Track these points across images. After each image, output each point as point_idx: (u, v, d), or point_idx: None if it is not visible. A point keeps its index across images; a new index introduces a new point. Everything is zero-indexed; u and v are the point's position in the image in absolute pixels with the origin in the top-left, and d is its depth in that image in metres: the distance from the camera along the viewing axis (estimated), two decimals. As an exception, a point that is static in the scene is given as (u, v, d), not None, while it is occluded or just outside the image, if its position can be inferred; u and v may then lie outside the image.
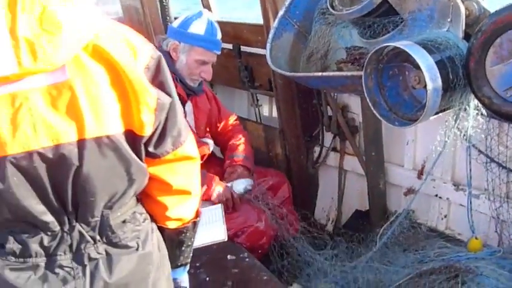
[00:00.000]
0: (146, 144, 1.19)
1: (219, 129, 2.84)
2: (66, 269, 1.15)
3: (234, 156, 2.71)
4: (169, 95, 1.19)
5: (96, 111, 1.07)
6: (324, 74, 2.21)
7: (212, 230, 1.83)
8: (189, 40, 2.43)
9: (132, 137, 1.15)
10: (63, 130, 1.05)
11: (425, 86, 1.89)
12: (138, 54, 1.12)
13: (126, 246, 1.21)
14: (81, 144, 1.08)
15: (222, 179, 2.62)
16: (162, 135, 1.21)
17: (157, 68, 1.16)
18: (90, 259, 1.17)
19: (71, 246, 1.15)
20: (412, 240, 2.60)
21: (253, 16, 3.16)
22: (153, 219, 1.35)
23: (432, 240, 2.52)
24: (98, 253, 1.18)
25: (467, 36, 1.93)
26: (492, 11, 1.89)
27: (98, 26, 1.07)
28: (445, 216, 2.72)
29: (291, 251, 2.48)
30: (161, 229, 1.37)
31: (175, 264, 1.47)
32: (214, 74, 2.89)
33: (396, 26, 2.16)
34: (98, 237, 1.18)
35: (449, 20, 1.95)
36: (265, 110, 3.59)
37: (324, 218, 3.36)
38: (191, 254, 1.51)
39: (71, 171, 1.09)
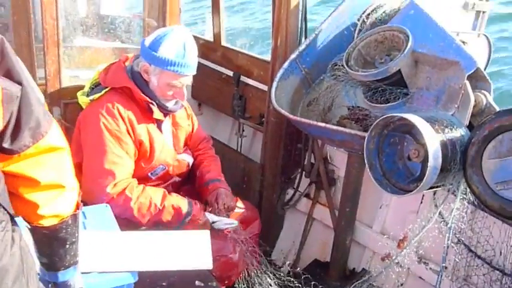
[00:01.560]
0: (0, 141, 1.07)
1: (190, 148, 2.80)
2: None
3: (215, 180, 2.68)
4: (19, 83, 1.06)
5: None
6: (328, 126, 2.28)
7: (198, 256, 1.79)
8: (158, 63, 2.27)
9: None
10: None
11: (423, 161, 2.00)
12: None
13: None
14: None
15: (194, 197, 2.59)
16: (17, 128, 1.08)
17: (1, 54, 1.03)
18: None
19: None
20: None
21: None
22: (26, 220, 1.22)
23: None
24: None
25: (470, 125, 2.05)
26: (497, 107, 2.04)
27: None
28: (401, 285, 2.81)
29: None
30: (36, 229, 1.24)
31: (63, 266, 1.35)
32: (206, 95, 2.91)
33: (403, 97, 2.27)
34: None
35: (456, 106, 2.07)
36: (247, 142, 3.62)
37: (281, 260, 3.39)
38: (78, 252, 1.38)
39: None
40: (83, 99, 2.43)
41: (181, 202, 2.39)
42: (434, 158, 1.86)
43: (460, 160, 1.97)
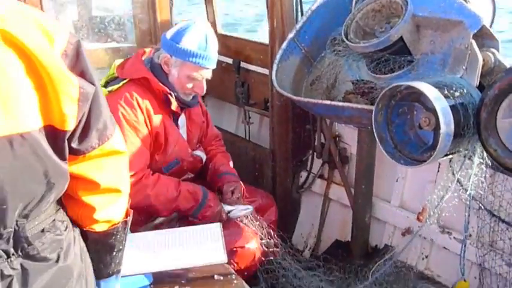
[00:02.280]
0: (69, 140, 1.06)
1: (204, 145, 2.78)
2: None
3: (231, 174, 2.65)
4: (92, 83, 1.07)
5: (6, 105, 0.93)
6: (333, 103, 2.21)
7: (211, 250, 1.76)
8: (180, 55, 2.27)
9: (53, 133, 1.01)
10: None
11: (434, 129, 1.92)
12: (53, 39, 0.99)
13: (45, 259, 1.07)
14: None
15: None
16: (86, 128, 1.09)
17: (77, 54, 1.04)
18: (3, 276, 1.01)
19: None
20: (392, 277, 2.61)
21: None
22: (78, 224, 1.22)
23: (414, 280, 2.53)
24: (12, 268, 1.02)
25: (480, 86, 1.96)
26: (507, 64, 1.95)
27: (5, 9, 0.94)
28: (426, 257, 2.74)
29: (277, 274, 2.44)
30: (87, 234, 1.24)
31: (106, 273, 1.34)
32: (208, 86, 2.82)
33: (408, 65, 2.18)
34: (12, 251, 1.02)
35: (464, 67, 1.98)
36: (255, 128, 3.56)
37: (302, 244, 3.34)
38: (123, 261, 1.38)
39: None
40: None
41: (196, 187, 2.42)
42: (446, 124, 1.78)
43: (473, 124, 1.89)
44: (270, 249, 2.49)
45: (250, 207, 2.47)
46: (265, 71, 3.09)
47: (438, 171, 2.61)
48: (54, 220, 1.11)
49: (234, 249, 2.28)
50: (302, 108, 2.77)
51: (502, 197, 2.26)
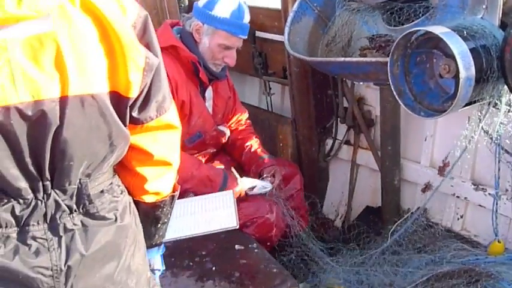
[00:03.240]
0: (130, 108, 1.12)
1: (230, 122, 2.72)
2: (40, 240, 1.06)
3: (271, 157, 2.64)
4: (156, 56, 1.13)
5: (81, 67, 0.99)
6: (347, 59, 2.10)
7: (223, 216, 1.72)
8: (212, 23, 2.26)
9: (117, 99, 1.07)
10: (44, 85, 0.96)
11: (455, 75, 1.78)
12: (126, 10, 1.06)
13: (104, 218, 1.14)
14: (63, 101, 0.99)
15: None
16: (146, 98, 1.14)
17: (144, 27, 1.10)
18: (66, 230, 1.08)
19: (45, 215, 1.06)
20: (426, 240, 2.50)
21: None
22: (130, 193, 1.27)
23: (448, 241, 2.41)
24: (74, 224, 1.09)
25: (502, 25, 1.81)
26: (531, -1, 1.78)
27: None
28: (462, 217, 2.61)
29: (300, 246, 2.38)
30: (137, 204, 1.29)
31: (149, 243, 1.40)
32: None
33: (426, 12, 2.04)
34: (74, 207, 1.09)
35: (484, 6, 1.83)
36: (277, 99, 3.47)
37: (333, 213, 3.27)
38: (166, 233, 1.45)
39: (50, 131, 0.99)
40: None
41: (217, 175, 2.34)
42: (465, 68, 1.65)
43: (497, 67, 1.75)
44: (296, 221, 2.44)
45: (269, 185, 2.41)
46: (281, 38, 2.96)
47: (468, 124, 2.46)
48: (111, 183, 1.18)
49: (254, 219, 2.24)
50: (320, 71, 2.67)
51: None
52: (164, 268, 1.54)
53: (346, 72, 2.34)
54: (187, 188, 2.23)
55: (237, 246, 2.05)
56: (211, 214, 1.74)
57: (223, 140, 2.63)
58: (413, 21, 2.11)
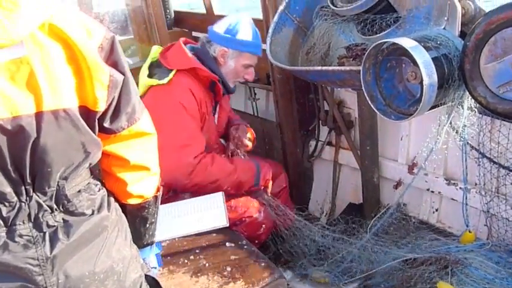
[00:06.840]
0: (101, 120, 1.26)
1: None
2: (26, 237, 1.19)
3: (239, 121, 2.90)
4: (122, 73, 1.26)
5: (52, 85, 1.13)
6: (323, 68, 2.27)
7: (213, 215, 1.88)
8: (238, 47, 2.51)
9: (86, 112, 1.21)
10: (21, 103, 1.10)
11: (421, 82, 1.97)
12: (92, 34, 1.19)
13: (83, 214, 1.28)
14: (38, 116, 1.13)
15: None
16: (116, 110, 1.28)
17: (111, 48, 1.23)
18: (49, 226, 1.22)
19: (29, 215, 1.20)
20: (403, 232, 2.68)
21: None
22: (116, 198, 1.41)
23: (423, 233, 2.60)
24: (56, 221, 1.23)
25: (463, 35, 1.99)
26: (487, 10, 1.97)
27: (53, 7, 1.14)
28: (437, 210, 2.80)
29: (287, 239, 2.55)
30: (124, 207, 1.43)
31: (141, 244, 1.54)
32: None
33: (395, 22, 2.22)
34: (54, 206, 1.23)
35: (446, 18, 2.01)
36: (262, 104, 3.64)
37: (318, 211, 3.44)
38: (156, 233, 1.59)
39: (29, 143, 1.13)
40: (146, 81, 2.48)
41: (246, 160, 2.66)
42: (428, 76, 1.83)
43: (458, 75, 1.93)
44: (282, 218, 2.60)
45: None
46: (264, 46, 3.15)
47: (439, 125, 2.65)
48: (89, 183, 1.32)
49: (244, 219, 2.41)
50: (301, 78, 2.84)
51: (500, 143, 2.29)
52: (161, 265, 1.69)
53: (324, 80, 2.51)
54: (235, 180, 2.49)
55: (227, 244, 2.22)
56: (202, 214, 1.89)
57: (221, 150, 2.79)
58: (384, 30, 2.29)
